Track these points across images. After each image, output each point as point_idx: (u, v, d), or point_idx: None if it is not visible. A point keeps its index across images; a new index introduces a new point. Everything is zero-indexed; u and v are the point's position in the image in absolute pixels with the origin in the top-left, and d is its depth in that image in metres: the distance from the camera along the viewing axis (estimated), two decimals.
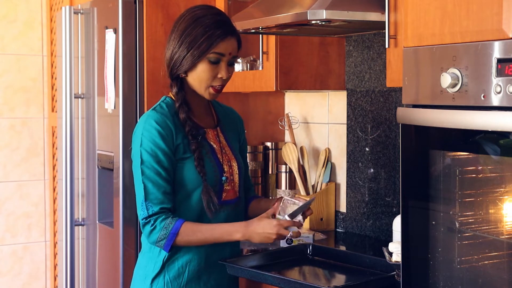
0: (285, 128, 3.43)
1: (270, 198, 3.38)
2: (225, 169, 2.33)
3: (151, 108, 2.30)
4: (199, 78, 2.26)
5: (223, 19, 2.28)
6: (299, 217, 2.24)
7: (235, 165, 2.37)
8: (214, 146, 2.34)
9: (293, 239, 2.31)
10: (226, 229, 2.23)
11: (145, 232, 2.23)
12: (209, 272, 2.33)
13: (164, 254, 2.28)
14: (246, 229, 2.21)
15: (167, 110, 2.28)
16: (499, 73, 1.68)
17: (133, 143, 2.28)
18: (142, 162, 2.22)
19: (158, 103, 2.32)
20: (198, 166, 2.25)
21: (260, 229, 2.19)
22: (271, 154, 3.45)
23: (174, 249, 2.27)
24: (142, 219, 2.21)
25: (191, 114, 2.32)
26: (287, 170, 3.30)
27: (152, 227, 2.20)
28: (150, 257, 2.31)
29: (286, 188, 3.29)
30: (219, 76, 2.27)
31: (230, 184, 2.34)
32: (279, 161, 3.44)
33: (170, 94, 2.34)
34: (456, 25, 1.82)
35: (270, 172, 3.44)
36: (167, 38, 2.32)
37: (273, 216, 2.24)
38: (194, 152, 2.26)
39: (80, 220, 3.52)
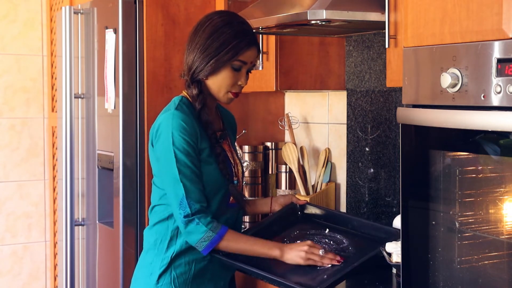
0: (285, 128, 3.43)
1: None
2: (235, 172, 2.35)
3: (172, 107, 2.27)
4: (219, 83, 2.28)
5: (248, 28, 2.31)
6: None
7: (240, 168, 2.40)
8: (226, 148, 2.35)
9: None
10: (265, 244, 2.28)
11: (188, 230, 2.21)
12: (214, 269, 2.34)
13: (172, 250, 2.28)
14: (283, 246, 2.28)
15: (188, 111, 2.27)
16: (499, 73, 1.68)
17: (160, 142, 2.24)
18: (177, 161, 2.20)
19: (177, 103, 2.29)
20: (224, 168, 2.27)
21: (294, 246, 2.29)
22: (271, 154, 3.45)
23: (187, 247, 2.28)
24: (184, 217, 2.20)
25: None
26: (287, 170, 3.30)
27: (196, 226, 2.20)
28: (157, 254, 2.31)
29: (286, 188, 3.29)
30: (239, 83, 2.31)
31: (238, 186, 2.36)
32: (279, 161, 3.43)
33: (184, 93, 2.34)
34: (456, 25, 1.81)
35: (270, 172, 3.44)
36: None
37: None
38: (219, 156, 2.27)
39: (80, 220, 3.52)
